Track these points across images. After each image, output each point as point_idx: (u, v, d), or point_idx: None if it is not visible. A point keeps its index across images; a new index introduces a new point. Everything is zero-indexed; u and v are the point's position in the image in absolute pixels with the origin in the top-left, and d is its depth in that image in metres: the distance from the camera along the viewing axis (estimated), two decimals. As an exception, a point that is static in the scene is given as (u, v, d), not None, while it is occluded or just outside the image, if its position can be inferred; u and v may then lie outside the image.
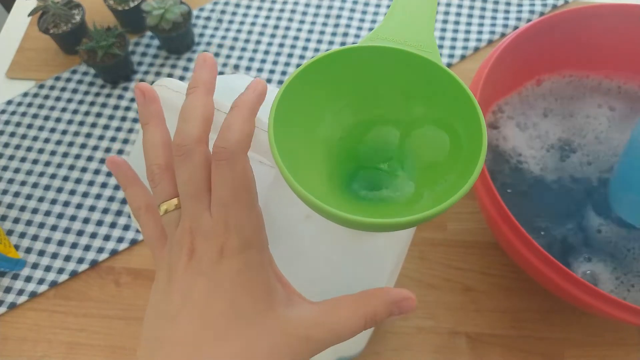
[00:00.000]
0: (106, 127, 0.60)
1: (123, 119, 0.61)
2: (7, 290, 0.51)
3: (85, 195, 0.56)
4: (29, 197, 0.56)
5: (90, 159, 0.58)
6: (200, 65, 0.26)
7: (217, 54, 0.65)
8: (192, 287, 0.24)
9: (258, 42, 0.66)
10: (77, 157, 0.58)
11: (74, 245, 0.53)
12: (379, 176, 0.24)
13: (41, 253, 0.53)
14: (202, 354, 0.22)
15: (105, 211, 0.55)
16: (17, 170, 0.58)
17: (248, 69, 0.64)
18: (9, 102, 0.62)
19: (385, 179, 0.24)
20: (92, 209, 0.55)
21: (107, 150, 0.58)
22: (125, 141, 0.59)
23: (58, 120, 0.61)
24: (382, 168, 0.24)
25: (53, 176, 0.57)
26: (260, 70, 0.63)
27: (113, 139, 0.59)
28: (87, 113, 0.61)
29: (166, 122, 0.29)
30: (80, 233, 0.54)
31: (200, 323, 0.23)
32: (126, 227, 0.54)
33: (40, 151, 0.59)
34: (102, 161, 0.58)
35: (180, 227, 0.25)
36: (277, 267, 0.26)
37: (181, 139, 0.24)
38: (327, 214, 0.20)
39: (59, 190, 0.56)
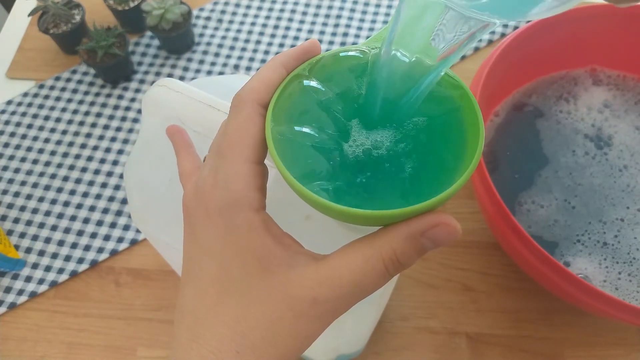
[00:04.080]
0: (106, 127, 0.60)
1: (123, 119, 0.61)
2: (7, 290, 0.51)
3: (85, 195, 0.56)
4: (29, 197, 0.56)
5: (90, 159, 0.58)
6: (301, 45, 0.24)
7: (217, 54, 0.65)
8: (188, 251, 0.23)
9: (258, 42, 0.66)
10: (77, 157, 0.58)
11: (74, 245, 0.53)
12: (375, 177, 0.24)
13: (41, 253, 0.53)
14: (200, 323, 0.21)
15: (105, 211, 0.55)
16: (17, 170, 0.58)
17: (248, 69, 0.64)
18: (9, 102, 0.62)
19: (382, 179, 0.24)
20: (92, 209, 0.55)
21: (107, 150, 0.58)
22: (125, 141, 0.59)
23: (58, 120, 0.61)
24: (379, 167, 0.24)
25: (53, 176, 0.57)
26: (260, 70, 0.63)
27: (113, 139, 0.59)
28: (87, 113, 0.61)
29: (168, 122, 0.29)
30: (80, 233, 0.54)
31: (196, 291, 0.22)
32: (126, 227, 0.54)
33: (40, 151, 0.59)
34: (102, 161, 0.58)
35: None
36: (278, 228, 0.22)
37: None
38: (326, 208, 0.20)
39: (59, 190, 0.56)
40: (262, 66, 0.23)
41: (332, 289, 0.20)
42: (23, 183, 0.57)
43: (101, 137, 0.60)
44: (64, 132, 0.60)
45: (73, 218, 0.55)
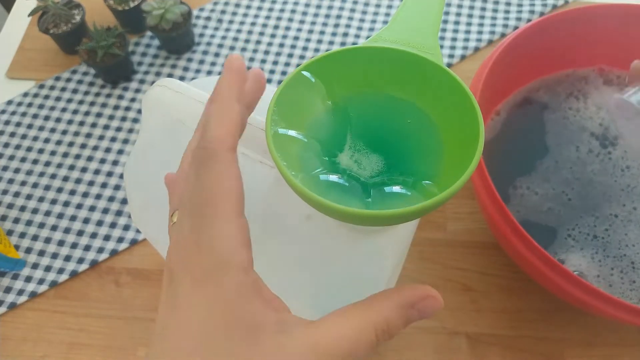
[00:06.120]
0: (106, 127, 0.60)
1: (123, 119, 0.61)
2: (7, 290, 0.51)
3: (85, 195, 0.56)
4: (29, 197, 0.56)
5: (90, 159, 0.58)
6: (225, 68, 0.23)
7: (217, 54, 0.65)
8: (167, 321, 0.20)
9: (258, 42, 0.66)
10: (77, 157, 0.58)
11: (74, 245, 0.53)
12: (376, 176, 0.24)
13: (41, 253, 0.53)
14: None
15: (105, 211, 0.55)
16: (17, 170, 0.58)
17: (248, 69, 0.63)
18: (9, 102, 0.62)
19: (382, 179, 0.24)
20: (92, 209, 0.55)
21: (107, 150, 0.58)
22: (126, 141, 0.59)
23: (58, 120, 0.61)
24: (379, 166, 0.24)
25: (53, 176, 0.57)
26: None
27: (113, 139, 0.59)
28: (87, 113, 0.61)
29: (168, 122, 0.29)
30: (80, 233, 0.54)
31: None
32: (126, 227, 0.54)
33: (40, 151, 0.59)
34: (102, 161, 0.58)
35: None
36: (268, 290, 0.21)
37: (195, 142, 0.21)
38: (327, 209, 0.20)
39: (59, 190, 0.56)
40: (212, 105, 0.21)
41: (323, 356, 0.20)
42: (23, 183, 0.57)
43: (101, 137, 0.59)
44: (64, 132, 0.60)
45: (73, 218, 0.55)
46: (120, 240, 0.53)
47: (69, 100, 0.62)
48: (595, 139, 0.52)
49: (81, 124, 0.60)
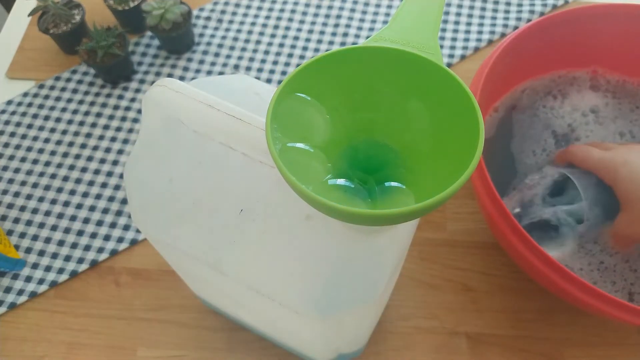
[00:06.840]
0: (106, 127, 0.60)
1: (123, 119, 0.61)
2: (7, 290, 0.51)
3: (85, 195, 0.56)
4: (29, 197, 0.56)
5: (90, 159, 0.58)
6: None
7: (217, 54, 0.65)
8: None
9: (258, 42, 0.66)
10: (77, 157, 0.58)
11: (74, 245, 0.53)
12: (376, 175, 0.24)
13: (41, 253, 0.53)
14: None
15: (105, 211, 0.55)
16: (17, 170, 0.58)
17: (248, 69, 0.64)
18: (9, 102, 0.62)
19: (382, 178, 0.24)
20: (92, 209, 0.55)
21: (107, 150, 0.58)
22: (126, 141, 0.59)
23: (58, 120, 0.61)
24: (379, 166, 0.24)
25: (53, 176, 0.57)
26: (260, 70, 0.63)
27: (113, 139, 0.59)
28: (87, 113, 0.61)
29: (168, 122, 0.29)
30: (80, 233, 0.54)
31: None
32: (126, 227, 0.54)
33: (40, 151, 0.59)
34: (102, 161, 0.58)
35: None
36: None
37: None
38: (328, 208, 0.20)
39: (59, 190, 0.56)
40: None
41: None
42: (23, 183, 0.57)
43: (101, 137, 0.60)
44: (64, 132, 0.60)
45: (73, 218, 0.55)
46: (120, 240, 0.53)
47: (69, 100, 0.62)
48: (553, 137, 0.52)
49: (81, 124, 0.60)
